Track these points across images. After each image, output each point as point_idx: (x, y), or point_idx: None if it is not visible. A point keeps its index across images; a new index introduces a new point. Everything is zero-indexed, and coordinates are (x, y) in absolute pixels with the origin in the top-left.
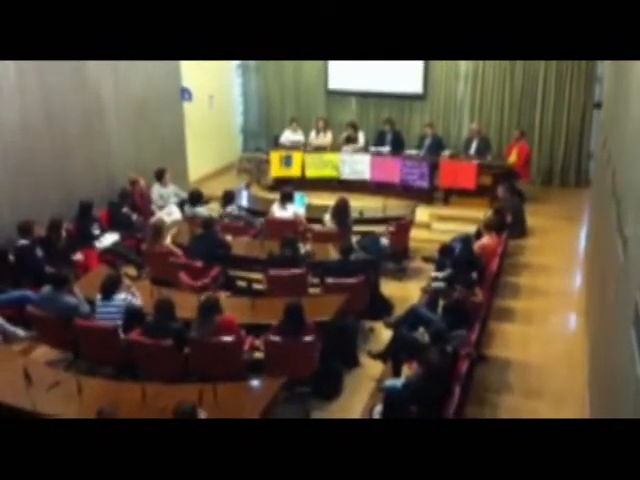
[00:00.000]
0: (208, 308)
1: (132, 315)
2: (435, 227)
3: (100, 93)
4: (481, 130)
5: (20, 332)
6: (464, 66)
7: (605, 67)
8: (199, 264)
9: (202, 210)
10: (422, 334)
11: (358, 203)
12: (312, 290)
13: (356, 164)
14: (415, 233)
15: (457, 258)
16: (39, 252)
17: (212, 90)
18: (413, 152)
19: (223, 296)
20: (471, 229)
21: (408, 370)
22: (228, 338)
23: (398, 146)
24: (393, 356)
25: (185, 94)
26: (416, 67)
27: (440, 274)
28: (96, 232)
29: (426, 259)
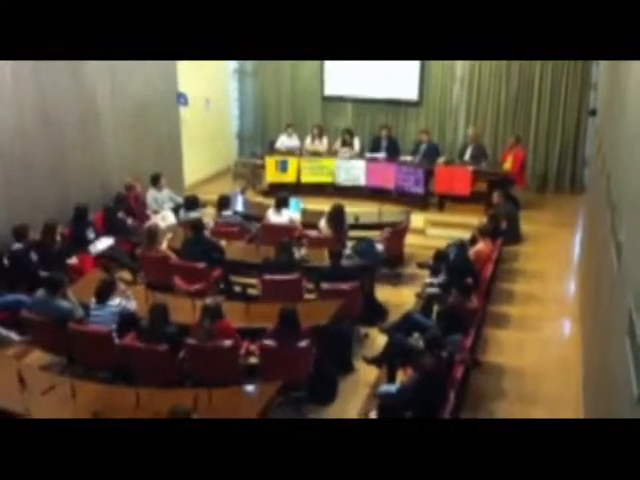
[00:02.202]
0: (214, 312)
1: (126, 319)
2: (430, 233)
3: (96, 97)
4: (477, 136)
5: (14, 336)
6: (459, 73)
7: (600, 74)
8: (201, 266)
9: (196, 215)
10: (417, 340)
11: (353, 209)
12: (307, 295)
13: (351, 170)
14: (410, 239)
15: (452, 264)
16: (34, 256)
17: (208, 95)
18: (408, 158)
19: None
20: (466, 235)
21: (403, 376)
22: (226, 342)
23: (393, 152)
24: (388, 361)
25: (181, 99)
26: (412, 74)
27: (435, 280)
28: (91, 236)
29: (421, 265)
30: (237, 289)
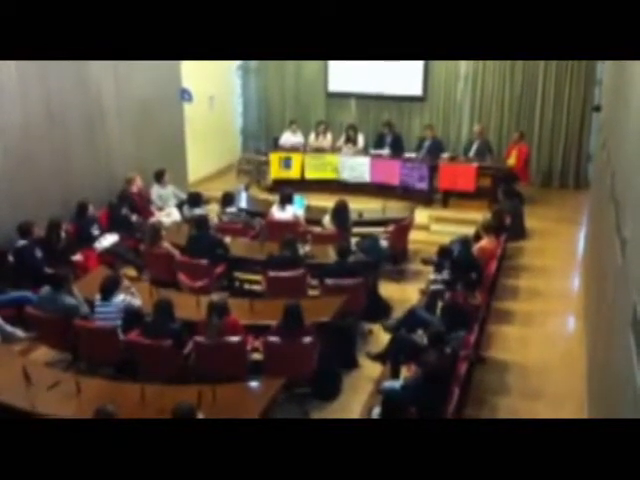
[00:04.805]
0: (221, 309)
1: (131, 316)
2: (434, 229)
3: (101, 94)
4: (483, 132)
5: (19, 333)
6: (464, 68)
7: (605, 69)
8: (205, 263)
9: (200, 212)
10: (421, 336)
11: (357, 205)
12: (311, 291)
13: (356, 166)
14: (414, 235)
15: (456, 260)
16: (38, 253)
17: (212, 91)
18: (412, 154)
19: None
20: (470, 231)
21: (407, 372)
22: (235, 339)
23: (397, 148)
24: (392, 358)
25: (185, 95)
26: (416, 69)
27: (439, 276)
28: (96, 233)
29: (425, 261)
30: (237, 285)
